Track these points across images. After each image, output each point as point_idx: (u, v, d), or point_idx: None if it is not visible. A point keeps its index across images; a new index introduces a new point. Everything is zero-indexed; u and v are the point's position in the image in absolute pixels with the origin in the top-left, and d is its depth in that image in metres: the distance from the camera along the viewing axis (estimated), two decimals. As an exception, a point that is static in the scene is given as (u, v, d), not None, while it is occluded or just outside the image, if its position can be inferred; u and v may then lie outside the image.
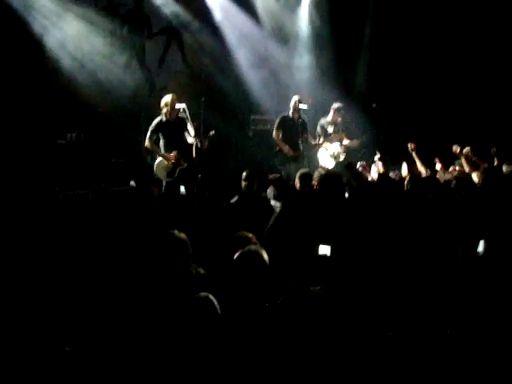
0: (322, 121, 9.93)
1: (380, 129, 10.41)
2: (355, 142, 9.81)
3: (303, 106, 9.49)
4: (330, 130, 9.87)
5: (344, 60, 12.00)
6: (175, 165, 8.48)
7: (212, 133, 8.75)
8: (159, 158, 8.52)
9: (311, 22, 12.13)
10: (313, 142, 9.56)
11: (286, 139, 9.43)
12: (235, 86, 11.80)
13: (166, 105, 8.46)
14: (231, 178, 9.62)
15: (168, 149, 8.52)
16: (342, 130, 9.93)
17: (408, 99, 11.78)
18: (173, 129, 8.54)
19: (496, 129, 10.45)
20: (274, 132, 9.53)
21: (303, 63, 12.21)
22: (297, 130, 9.42)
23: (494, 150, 8.19)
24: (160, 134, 8.53)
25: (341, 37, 11.86)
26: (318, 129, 9.86)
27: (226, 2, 11.43)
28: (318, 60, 12.13)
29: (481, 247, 4.75)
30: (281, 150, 9.43)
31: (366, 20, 12.08)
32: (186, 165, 8.51)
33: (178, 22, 11.52)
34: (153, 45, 11.57)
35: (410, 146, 8.24)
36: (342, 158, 9.76)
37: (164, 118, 8.51)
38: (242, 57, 11.79)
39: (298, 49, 12.26)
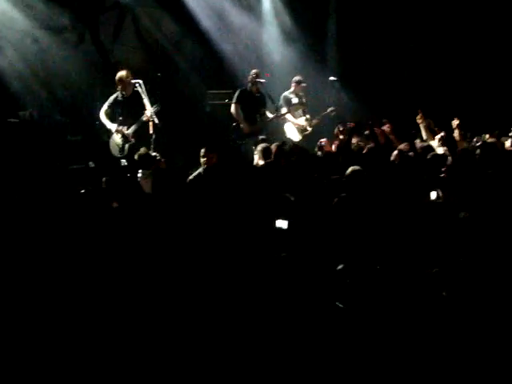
0: (286, 93, 10.02)
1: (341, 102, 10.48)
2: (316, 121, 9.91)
3: (261, 80, 9.48)
4: (295, 100, 9.98)
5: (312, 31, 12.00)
6: (124, 141, 8.42)
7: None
8: (113, 136, 8.44)
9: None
10: (271, 116, 9.57)
11: (244, 113, 9.42)
12: (192, 60, 11.67)
13: (121, 80, 8.40)
14: (189, 153, 9.61)
15: (124, 124, 8.45)
16: (304, 101, 10.03)
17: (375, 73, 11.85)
18: (128, 105, 8.48)
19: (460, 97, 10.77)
20: (233, 106, 9.50)
21: (268, 35, 12.13)
22: (255, 105, 9.43)
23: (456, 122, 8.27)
24: (116, 110, 8.46)
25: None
26: (281, 101, 9.93)
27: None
28: (283, 32, 12.08)
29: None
30: (239, 125, 9.42)
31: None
32: (133, 140, 8.40)
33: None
34: (106, 19, 11.30)
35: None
36: (309, 130, 9.84)
37: (120, 94, 8.47)
38: (201, 30, 11.59)
39: (263, 20, 12.13)
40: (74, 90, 10.42)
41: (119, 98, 8.49)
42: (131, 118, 8.47)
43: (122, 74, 8.43)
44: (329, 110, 9.92)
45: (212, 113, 10.99)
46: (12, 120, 9.34)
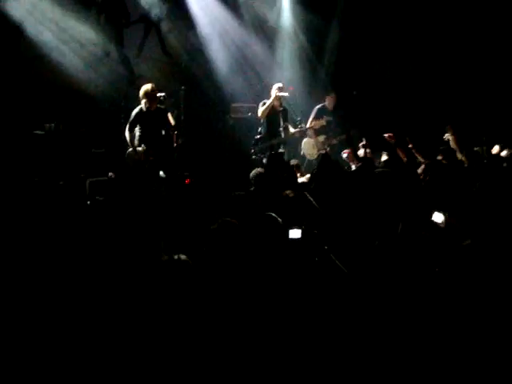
0: (319, 106, 10.14)
1: (363, 117, 10.44)
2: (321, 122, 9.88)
3: (284, 94, 9.46)
4: (326, 116, 10.06)
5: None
6: (145, 159, 8.38)
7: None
8: (129, 149, 8.46)
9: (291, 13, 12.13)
10: (293, 130, 9.55)
11: (267, 127, 9.41)
12: (215, 73, 11.74)
13: (146, 94, 8.36)
14: (213, 166, 9.63)
15: (143, 140, 8.38)
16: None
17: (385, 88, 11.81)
18: (151, 120, 8.39)
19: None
20: (260, 111, 9.42)
21: (283, 54, 12.20)
22: (278, 118, 9.40)
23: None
24: (138, 125, 8.40)
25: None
26: (313, 113, 10.07)
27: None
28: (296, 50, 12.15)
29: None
30: (262, 138, 9.39)
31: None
32: (152, 159, 8.33)
33: (156, 10, 11.43)
34: (131, 33, 11.42)
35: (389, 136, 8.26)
36: (326, 149, 9.82)
37: (144, 108, 8.38)
38: (221, 45, 11.72)
39: (278, 39, 12.24)
40: (98, 103, 10.49)
41: (143, 112, 8.42)
42: (150, 134, 8.39)
43: (146, 87, 8.38)
44: (351, 132, 9.76)
45: (235, 126, 11.02)
46: (37, 132, 9.46)
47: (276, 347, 3.50)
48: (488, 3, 11.09)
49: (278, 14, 12.20)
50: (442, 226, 5.13)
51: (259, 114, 9.45)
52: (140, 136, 8.39)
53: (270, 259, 4.31)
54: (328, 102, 10.25)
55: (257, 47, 11.97)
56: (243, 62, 11.90)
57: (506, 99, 10.82)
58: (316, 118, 10.02)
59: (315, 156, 9.78)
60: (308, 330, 3.68)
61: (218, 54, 11.71)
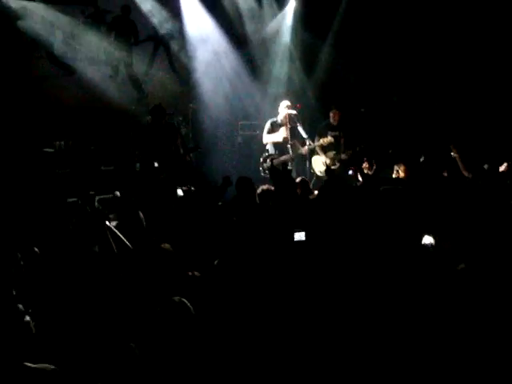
0: (324, 123, 10.22)
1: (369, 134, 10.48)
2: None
3: (292, 112, 9.48)
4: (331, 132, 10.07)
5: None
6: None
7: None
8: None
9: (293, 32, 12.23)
10: (301, 147, 9.57)
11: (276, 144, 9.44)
12: (222, 92, 11.80)
13: (154, 113, 8.44)
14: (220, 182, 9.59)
15: (149, 153, 8.43)
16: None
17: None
18: (160, 135, 8.43)
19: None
20: (265, 136, 9.51)
21: (286, 72, 12.28)
22: (286, 135, 9.41)
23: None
24: (146, 141, 8.46)
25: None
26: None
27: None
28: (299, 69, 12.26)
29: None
30: (270, 156, 9.42)
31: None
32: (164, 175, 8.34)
33: (165, 29, 11.55)
34: (140, 52, 11.53)
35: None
36: (336, 165, 9.84)
37: (152, 125, 8.48)
38: (228, 64, 11.80)
39: (281, 58, 12.32)
40: (108, 121, 10.55)
41: (151, 128, 8.49)
42: (160, 149, 8.42)
43: (156, 106, 8.49)
44: (357, 148, 9.75)
45: (244, 144, 11.06)
46: (47, 150, 9.51)
47: (277, 346, 3.53)
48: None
49: (277, 31, 12.28)
50: (432, 249, 5.08)
51: (265, 139, 9.50)
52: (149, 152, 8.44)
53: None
54: (332, 118, 10.23)
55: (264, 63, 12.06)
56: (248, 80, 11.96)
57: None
58: (321, 134, 10.00)
59: (324, 174, 9.78)
60: (308, 330, 3.72)
61: (224, 72, 11.79)
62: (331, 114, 10.26)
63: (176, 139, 8.52)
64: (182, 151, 8.60)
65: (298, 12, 12.00)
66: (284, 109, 9.44)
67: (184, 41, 11.67)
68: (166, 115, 8.55)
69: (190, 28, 11.55)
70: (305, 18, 11.88)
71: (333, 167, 9.66)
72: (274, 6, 12.14)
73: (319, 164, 9.93)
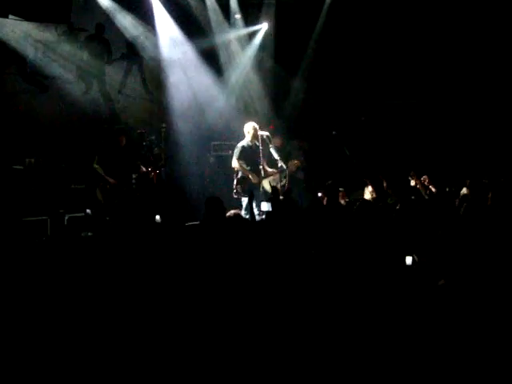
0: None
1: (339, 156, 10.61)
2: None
3: (264, 133, 9.44)
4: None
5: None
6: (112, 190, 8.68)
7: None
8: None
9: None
10: (270, 170, 9.57)
11: (249, 167, 9.35)
12: (196, 111, 11.83)
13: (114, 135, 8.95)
14: (192, 202, 9.61)
15: (117, 173, 8.88)
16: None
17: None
18: (125, 154, 8.90)
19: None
20: (236, 162, 9.31)
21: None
22: (258, 157, 9.34)
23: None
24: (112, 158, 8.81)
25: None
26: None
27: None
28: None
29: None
30: (244, 178, 9.32)
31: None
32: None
33: (138, 48, 11.57)
34: (113, 70, 11.51)
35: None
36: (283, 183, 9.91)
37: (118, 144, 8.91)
38: (202, 85, 11.87)
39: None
40: (79, 138, 10.47)
41: (117, 147, 8.84)
42: (125, 168, 8.84)
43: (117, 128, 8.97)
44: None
45: (216, 164, 11.06)
46: (17, 167, 9.39)
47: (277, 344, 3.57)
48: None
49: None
50: (413, 266, 5.20)
51: (235, 165, 9.36)
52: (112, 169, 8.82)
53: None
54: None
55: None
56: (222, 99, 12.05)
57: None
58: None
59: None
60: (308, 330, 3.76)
61: (197, 91, 11.84)
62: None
63: (136, 159, 8.88)
64: (144, 169, 9.08)
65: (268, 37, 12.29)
66: (252, 130, 9.38)
67: (158, 59, 11.70)
68: (126, 136, 8.91)
69: (163, 47, 11.59)
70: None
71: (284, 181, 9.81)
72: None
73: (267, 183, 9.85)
